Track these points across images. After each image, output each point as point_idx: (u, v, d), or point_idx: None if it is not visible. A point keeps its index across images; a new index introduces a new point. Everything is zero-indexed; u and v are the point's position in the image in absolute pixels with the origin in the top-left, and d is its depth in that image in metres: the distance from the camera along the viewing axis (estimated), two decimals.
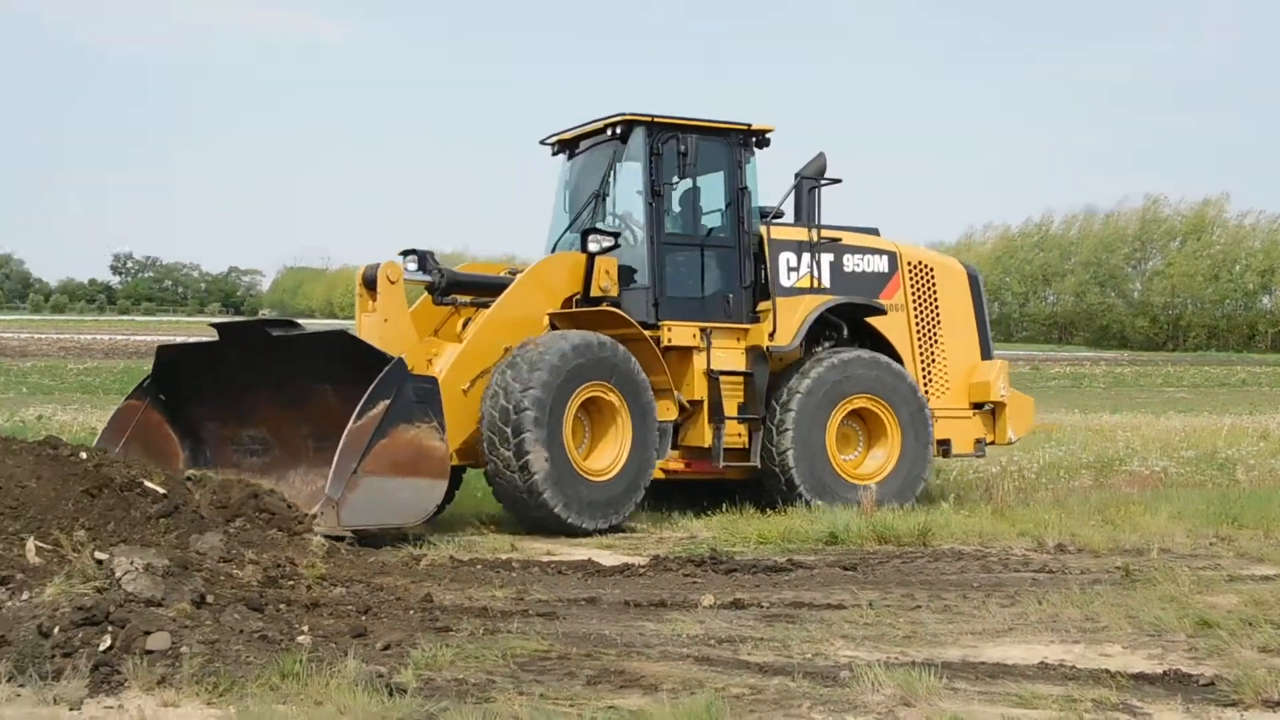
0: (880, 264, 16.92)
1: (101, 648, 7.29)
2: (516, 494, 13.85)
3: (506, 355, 14.28)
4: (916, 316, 17.09)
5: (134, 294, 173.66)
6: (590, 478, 14.19)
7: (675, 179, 15.74)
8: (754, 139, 16.21)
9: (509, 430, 13.70)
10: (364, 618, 8.74)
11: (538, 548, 13.14)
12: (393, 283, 14.11)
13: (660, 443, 14.87)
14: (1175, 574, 10.57)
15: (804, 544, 13.19)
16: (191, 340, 14.84)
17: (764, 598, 10.01)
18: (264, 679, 6.97)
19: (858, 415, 16.09)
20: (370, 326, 13.98)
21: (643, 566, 11.72)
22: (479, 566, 11.55)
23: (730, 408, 15.59)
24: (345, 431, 12.01)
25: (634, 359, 14.56)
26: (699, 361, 15.56)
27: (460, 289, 15.41)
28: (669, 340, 15.38)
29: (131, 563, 8.31)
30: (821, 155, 16.79)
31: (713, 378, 15.50)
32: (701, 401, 15.53)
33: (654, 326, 15.35)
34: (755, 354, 15.77)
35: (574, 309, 15.13)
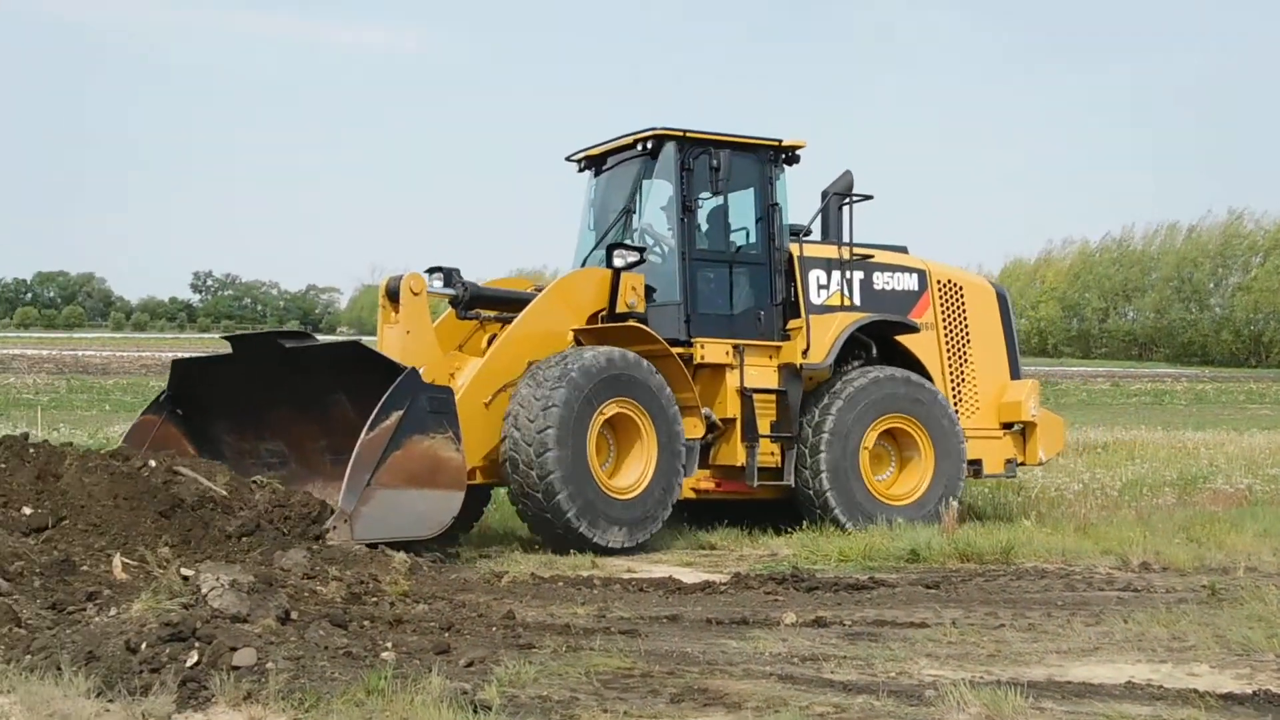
0: (910, 282, 16.89)
1: (188, 663, 7.33)
2: (540, 513, 13.71)
3: (529, 370, 14.16)
4: (946, 335, 17.02)
5: (214, 312, 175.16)
6: (615, 495, 14.01)
7: (706, 195, 15.63)
8: (785, 155, 16.16)
9: (531, 448, 13.55)
10: (447, 634, 8.76)
11: (618, 565, 13.14)
12: (415, 294, 13.99)
13: (687, 460, 14.68)
14: (1263, 593, 10.41)
15: (885, 562, 13.15)
16: (207, 354, 14.76)
17: (846, 615, 9.96)
18: (349, 695, 6.98)
19: (890, 435, 16.05)
20: (392, 339, 13.90)
21: (724, 584, 11.69)
22: (560, 584, 11.56)
23: (763, 426, 15.50)
24: (358, 443, 11.85)
25: (660, 375, 14.39)
26: (731, 379, 15.48)
27: (484, 304, 15.33)
28: (701, 357, 15.29)
29: (217, 579, 8.38)
30: (848, 173, 16.68)
31: (746, 395, 15.42)
32: (734, 420, 15.45)
33: (686, 343, 15.25)
34: (788, 372, 15.69)
35: (599, 325, 14.97)
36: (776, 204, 15.99)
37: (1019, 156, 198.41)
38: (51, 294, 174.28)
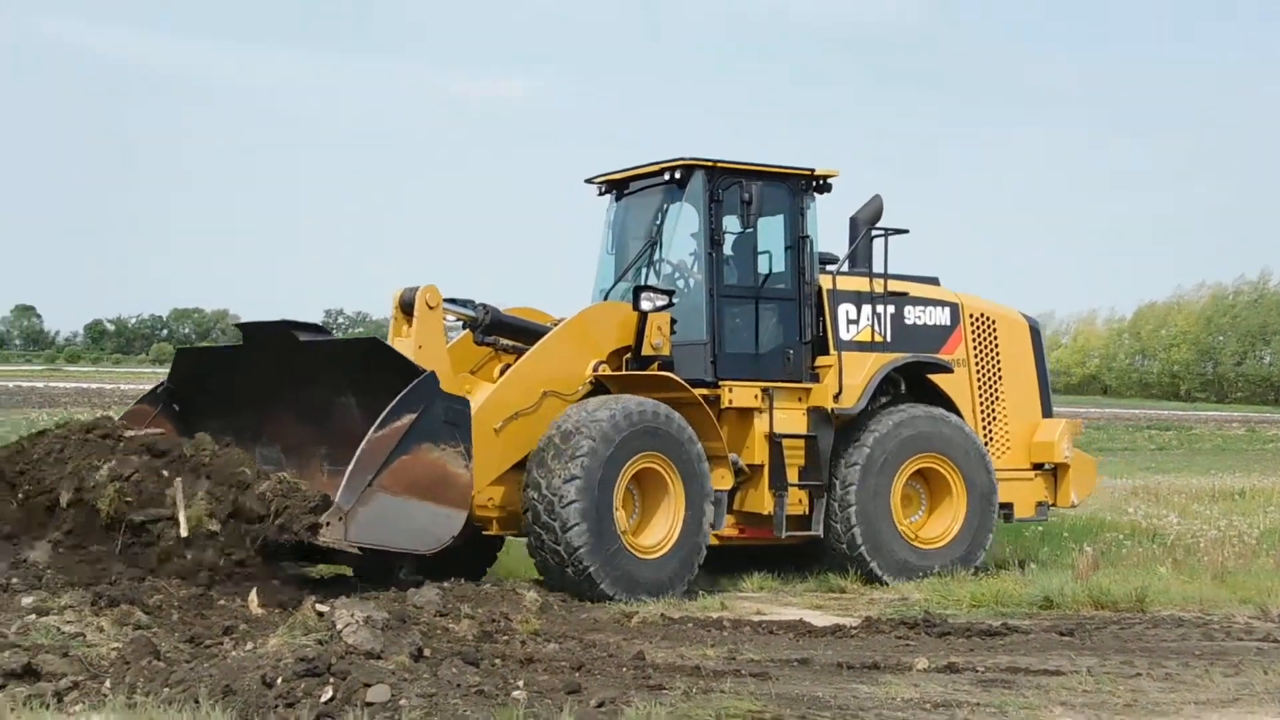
0: (942, 316, 16.20)
1: (323, 699, 7.41)
2: (560, 568, 12.92)
3: (547, 406, 13.53)
4: (978, 371, 16.35)
5: None
6: (640, 555, 13.26)
7: (736, 227, 14.91)
8: (816, 184, 15.39)
9: (555, 500, 12.82)
10: (577, 674, 8.77)
11: (748, 607, 13.09)
12: (431, 308, 13.30)
13: (715, 514, 13.85)
14: None
15: (1018, 608, 12.99)
16: (216, 345, 14.16)
17: (979, 662, 9.86)
18: None
19: (920, 474, 15.39)
20: (403, 351, 12.92)
21: (854, 628, 11.62)
22: (690, 625, 11.55)
23: (791, 473, 14.77)
24: (364, 439, 11.23)
25: (689, 430, 13.63)
26: (760, 424, 14.75)
27: (502, 330, 14.51)
28: (729, 401, 14.54)
29: (352, 615, 8.46)
30: (878, 198, 16.03)
31: (775, 441, 14.71)
32: (761, 466, 14.69)
33: (712, 385, 14.49)
34: (818, 416, 14.98)
35: (624, 372, 14.24)
36: (807, 235, 15.25)
37: (1167, 198, 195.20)
38: (187, 330, 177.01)
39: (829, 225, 15.84)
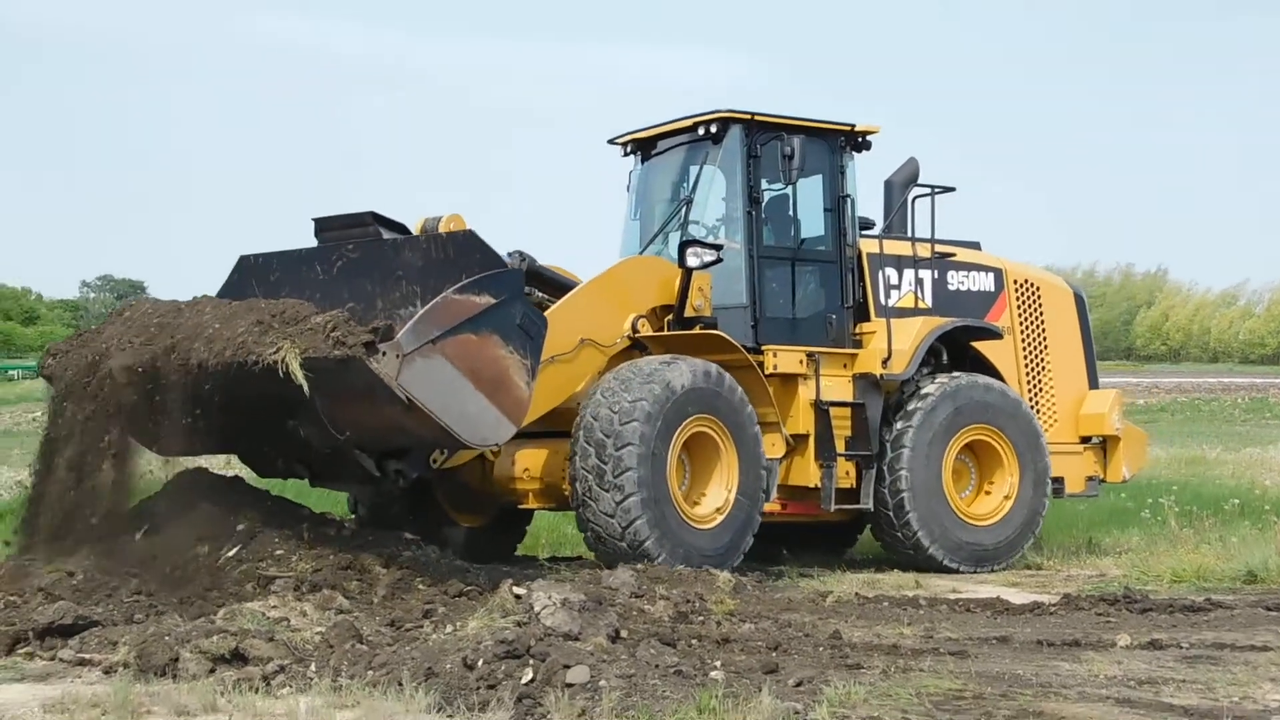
0: (986, 282, 15.67)
1: (524, 680, 7.47)
2: (613, 542, 12.35)
3: (585, 355, 12.99)
4: (1023, 339, 15.78)
5: None
6: (695, 525, 12.72)
7: (776, 185, 14.32)
8: (856, 141, 14.78)
9: (607, 467, 12.26)
10: (774, 654, 8.76)
11: (942, 585, 13.01)
12: None
13: (768, 483, 13.31)
14: None
15: (1220, 583, 12.76)
16: (282, 250, 12.60)
17: (1183, 638, 9.68)
18: (681, 713, 7.02)
19: (969, 448, 14.81)
20: None
21: (1053, 605, 11.46)
22: (885, 604, 11.49)
23: (839, 443, 14.16)
24: (441, 295, 10.53)
25: (742, 391, 13.04)
26: (805, 391, 14.09)
27: (538, 281, 13.41)
28: (774, 367, 13.84)
29: (549, 597, 8.53)
30: (913, 160, 15.57)
31: (821, 409, 14.08)
32: (807, 436, 14.09)
33: (755, 351, 13.78)
34: (866, 383, 14.36)
35: (668, 332, 13.58)
36: (848, 195, 14.62)
37: None
38: None
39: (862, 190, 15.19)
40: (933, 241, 15.26)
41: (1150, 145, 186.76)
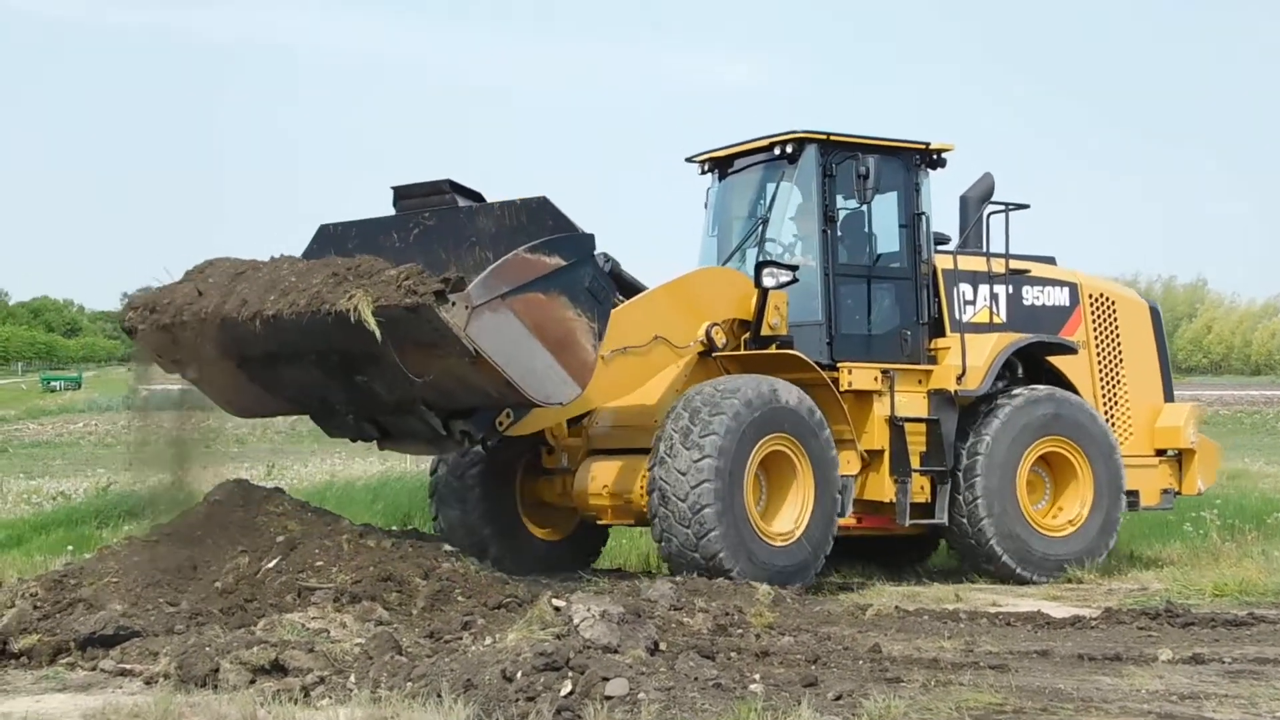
0: (1061, 296, 15.68)
1: (563, 693, 7.47)
2: (690, 553, 12.46)
3: (658, 352, 13.24)
4: (1099, 354, 15.79)
5: None
6: (770, 541, 12.84)
7: (851, 204, 14.47)
8: (930, 159, 14.93)
9: (686, 480, 12.40)
10: (813, 667, 8.74)
11: (982, 598, 12.96)
12: None
13: (843, 499, 13.47)
14: None
15: (1263, 597, 12.67)
16: (363, 218, 12.74)
17: (1225, 653, 9.62)
18: None
19: (1044, 460, 14.83)
20: None
21: (1094, 619, 11.41)
22: (925, 617, 11.45)
23: (914, 458, 14.31)
24: (511, 253, 10.78)
25: (818, 411, 13.23)
26: (879, 407, 14.27)
27: (619, 284, 13.49)
28: (848, 384, 14.03)
29: (589, 610, 8.52)
30: (988, 175, 15.58)
31: (896, 425, 14.25)
32: (881, 452, 14.25)
33: (830, 368, 13.99)
34: (940, 398, 14.50)
35: (745, 351, 13.83)
36: (923, 212, 14.76)
37: None
38: None
39: (937, 203, 15.31)
40: (1007, 256, 15.32)
41: (1187, 156, 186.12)
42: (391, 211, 12.44)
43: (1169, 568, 14.56)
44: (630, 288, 13.78)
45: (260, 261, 11.41)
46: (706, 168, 15.66)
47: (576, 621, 8.46)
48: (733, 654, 8.97)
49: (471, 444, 12.06)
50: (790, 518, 13.11)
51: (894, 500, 14.23)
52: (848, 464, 13.74)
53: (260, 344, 10.92)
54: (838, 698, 7.81)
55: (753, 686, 7.91)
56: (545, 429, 13.42)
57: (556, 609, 8.84)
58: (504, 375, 10.57)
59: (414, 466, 22.90)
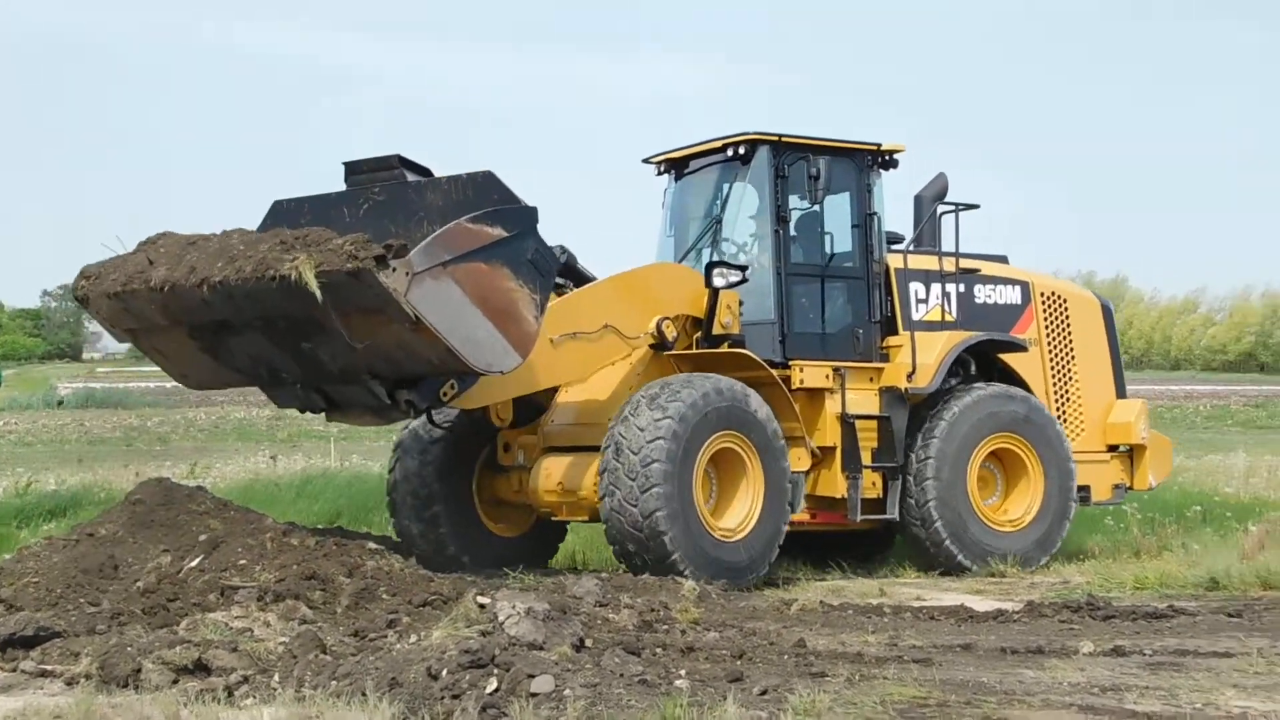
0: (1013, 295, 15.95)
1: (488, 690, 7.46)
2: (641, 553, 12.72)
3: (608, 340, 13.49)
4: (1050, 351, 16.06)
5: None
6: (721, 538, 13.07)
7: (802, 204, 14.68)
8: (883, 160, 15.13)
9: (634, 483, 12.61)
10: (739, 662, 8.76)
11: (907, 593, 13.03)
12: None
13: (794, 495, 13.71)
14: None
15: (1183, 589, 12.80)
16: (314, 194, 12.88)
17: (1146, 645, 9.70)
18: None
19: (995, 456, 15.10)
20: None
21: (1017, 612, 11.50)
22: (850, 612, 11.50)
23: (865, 455, 14.53)
24: (455, 222, 11.01)
25: (768, 407, 13.45)
26: (831, 405, 14.50)
27: (574, 276, 14.02)
28: (800, 382, 14.26)
29: (514, 607, 8.51)
30: (942, 175, 15.80)
31: (847, 422, 14.46)
32: (834, 448, 14.47)
33: (782, 366, 14.23)
34: (891, 396, 14.75)
35: (696, 350, 14.08)
36: (875, 213, 14.96)
37: None
38: None
39: (892, 203, 15.57)
40: (956, 255, 15.49)
41: (1108, 154, 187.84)
42: (343, 187, 12.61)
43: (1090, 561, 14.69)
44: (584, 281, 14.05)
45: (212, 234, 11.58)
46: (663, 169, 15.86)
47: (502, 619, 8.44)
48: (658, 650, 8.96)
49: (416, 414, 12.34)
50: (740, 514, 13.32)
51: (846, 496, 14.41)
52: (798, 460, 13.94)
53: (209, 311, 11.09)
54: (763, 692, 7.83)
55: (678, 682, 7.91)
56: (492, 410, 13.53)
57: (482, 606, 8.82)
58: (445, 342, 10.79)
59: (339, 464, 22.80)
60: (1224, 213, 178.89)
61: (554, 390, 13.91)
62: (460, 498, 14.18)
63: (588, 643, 8.63)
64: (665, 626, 9.84)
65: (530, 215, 11.52)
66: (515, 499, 14.20)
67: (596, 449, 13.07)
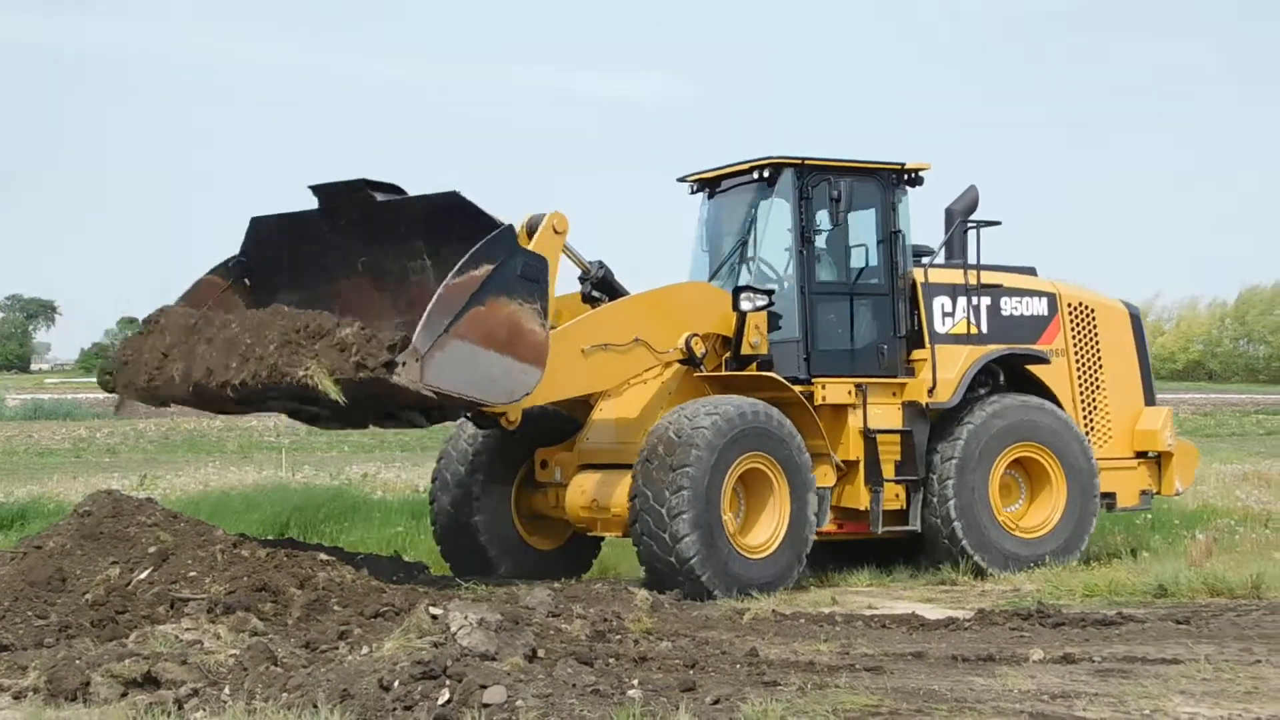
0: (1039, 306, 16.06)
1: (440, 701, 7.46)
2: (670, 572, 12.96)
3: (637, 353, 13.78)
4: (1077, 361, 16.18)
5: None
6: (749, 555, 13.33)
7: (827, 224, 14.93)
8: (908, 178, 15.33)
9: (663, 508, 12.87)
10: (692, 671, 8.77)
11: (859, 601, 13.06)
12: (557, 232, 12.91)
13: (819, 510, 13.92)
14: None
15: (1132, 596, 12.88)
16: (290, 211, 13.25)
17: (1095, 652, 9.77)
18: None
19: (1019, 464, 15.32)
20: None
21: (968, 620, 11.54)
22: (802, 620, 11.52)
23: (886, 468, 14.75)
24: (442, 285, 11.28)
25: (792, 428, 13.69)
26: (854, 420, 14.73)
27: (609, 291, 14.31)
28: (823, 399, 14.54)
29: (466, 618, 8.50)
30: (973, 189, 15.99)
31: (869, 437, 14.69)
32: (857, 462, 14.67)
33: (805, 382, 14.49)
34: (913, 410, 14.97)
35: (725, 371, 14.42)
36: (899, 230, 15.17)
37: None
38: None
39: (925, 217, 15.77)
40: (979, 268, 15.60)
41: (1061, 160, 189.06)
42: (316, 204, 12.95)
43: (1040, 569, 14.73)
44: (619, 295, 14.35)
45: (209, 314, 12.25)
46: (695, 187, 16.16)
47: (454, 629, 8.44)
48: (611, 660, 8.97)
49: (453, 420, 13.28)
50: (768, 530, 13.58)
51: (869, 508, 14.66)
52: (823, 476, 14.20)
53: (237, 394, 11.60)
54: (715, 702, 7.86)
55: (631, 692, 7.93)
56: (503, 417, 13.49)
57: (434, 617, 8.80)
58: (467, 399, 11.54)
59: (290, 475, 22.73)
60: (1173, 220, 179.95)
61: (589, 406, 14.33)
62: (499, 510, 14.58)
63: (540, 653, 8.65)
64: (618, 636, 9.86)
65: (507, 235, 11.84)
66: (552, 514, 14.50)
67: (629, 466, 13.36)
